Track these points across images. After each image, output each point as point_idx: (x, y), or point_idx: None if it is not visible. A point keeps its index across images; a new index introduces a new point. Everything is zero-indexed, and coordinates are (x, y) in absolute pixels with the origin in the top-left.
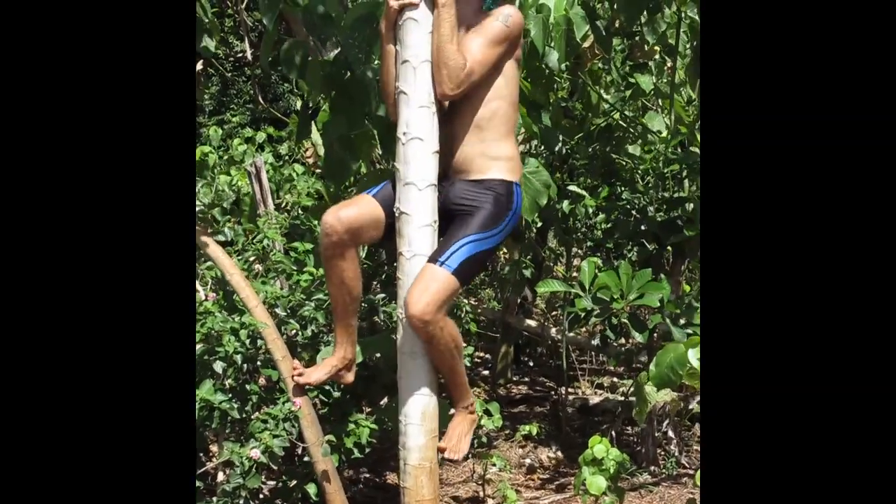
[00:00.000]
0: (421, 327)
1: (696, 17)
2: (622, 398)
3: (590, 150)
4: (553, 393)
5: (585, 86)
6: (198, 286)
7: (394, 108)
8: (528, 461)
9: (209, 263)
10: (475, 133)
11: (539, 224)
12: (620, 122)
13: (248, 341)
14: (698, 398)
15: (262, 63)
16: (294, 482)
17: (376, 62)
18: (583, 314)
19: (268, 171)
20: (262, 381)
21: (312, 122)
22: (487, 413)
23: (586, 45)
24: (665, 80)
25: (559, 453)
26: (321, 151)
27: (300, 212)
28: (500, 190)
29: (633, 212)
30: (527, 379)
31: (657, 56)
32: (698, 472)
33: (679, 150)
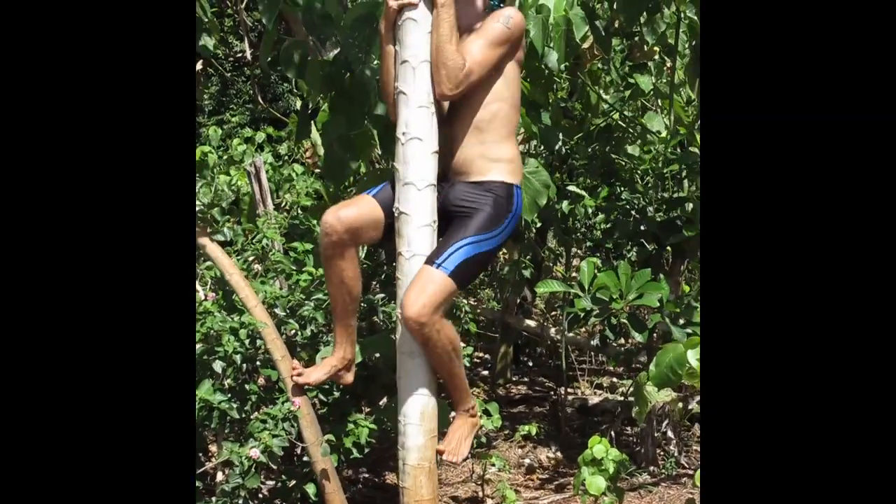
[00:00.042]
0: (417, 329)
1: (695, 18)
2: (621, 398)
3: (589, 150)
4: (552, 393)
5: (585, 86)
6: (197, 286)
7: (393, 109)
8: (527, 461)
9: (209, 263)
10: (475, 135)
11: (538, 224)
12: (620, 122)
13: (247, 341)
14: (698, 398)
15: (262, 63)
16: (293, 482)
17: (376, 62)
18: (582, 314)
19: (267, 171)
20: (261, 380)
21: (312, 122)
22: (487, 413)
23: (586, 45)
24: (664, 81)
25: (558, 453)
26: (321, 151)
27: (299, 212)
28: (500, 192)
29: (633, 212)
30: (526, 379)
31: (656, 56)
32: (697, 472)
33: (678, 150)
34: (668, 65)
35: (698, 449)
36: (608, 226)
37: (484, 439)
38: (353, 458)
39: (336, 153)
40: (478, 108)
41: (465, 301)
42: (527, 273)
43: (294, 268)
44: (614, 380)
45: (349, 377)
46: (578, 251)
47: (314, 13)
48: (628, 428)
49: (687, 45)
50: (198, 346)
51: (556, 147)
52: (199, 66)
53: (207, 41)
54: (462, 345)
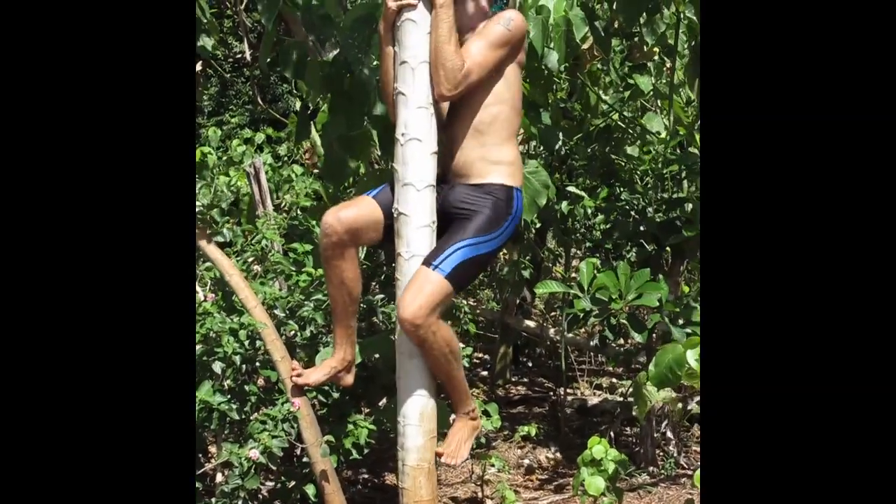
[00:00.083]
0: (412, 331)
1: (695, 18)
2: (621, 399)
3: (589, 150)
4: (552, 394)
5: (584, 86)
6: (197, 287)
7: (393, 109)
8: (526, 462)
9: (208, 264)
10: (475, 137)
11: (538, 225)
12: (619, 122)
13: (247, 342)
14: (697, 398)
15: (262, 64)
16: (293, 483)
17: (375, 62)
18: (581, 315)
19: (267, 172)
20: (260, 381)
21: (311, 123)
22: (486, 414)
23: (585, 46)
24: (664, 81)
25: (558, 454)
26: (320, 152)
27: (299, 212)
28: (500, 195)
29: (632, 213)
30: (525, 380)
31: (656, 57)
32: (697, 472)
33: (678, 150)
34: (668, 65)
35: (697, 449)
36: (608, 226)
37: (483, 440)
38: (353, 459)
39: (335, 154)
40: (478, 110)
41: (464, 301)
42: (526, 273)
43: (293, 269)
44: (614, 380)
45: (349, 379)
46: (578, 252)
47: (314, 14)
48: (628, 428)
49: (686, 46)
50: (197, 347)
51: (556, 147)
52: (198, 66)
53: (206, 42)
54: (461, 346)
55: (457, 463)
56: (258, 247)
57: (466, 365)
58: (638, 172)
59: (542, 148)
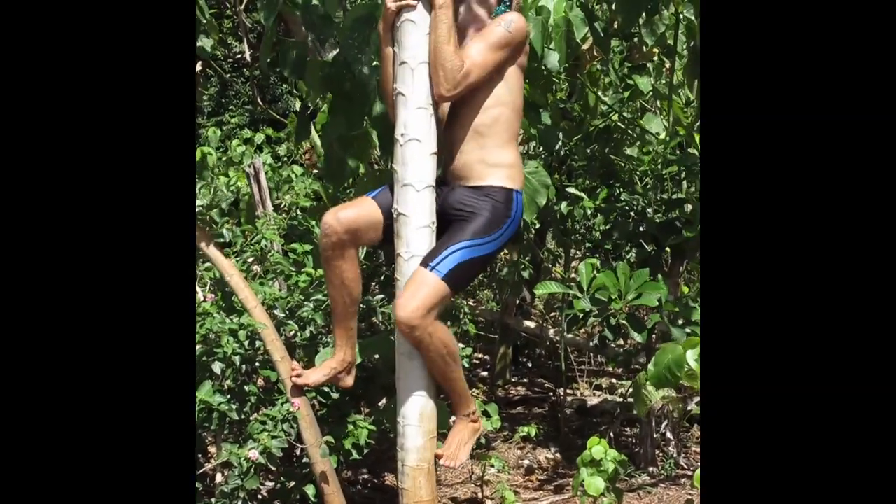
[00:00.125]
0: (408, 332)
1: (694, 19)
2: (621, 399)
3: (588, 151)
4: (551, 394)
5: (584, 87)
6: (196, 287)
7: (393, 110)
8: (526, 462)
9: (208, 264)
10: (475, 139)
11: (538, 225)
12: (619, 123)
13: (246, 342)
14: (697, 399)
15: (261, 64)
16: (292, 483)
17: (375, 62)
18: (581, 315)
19: (266, 172)
20: (260, 382)
21: (311, 123)
22: (486, 414)
23: (585, 46)
24: (663, 82)
25: (557, 454)
26: (320, 152)
27: (299, 213)
28: (499, 197)
29: (632, 213)
30: (525, 380)
31: (655, 57)
32: (697, 472)
33: (677, 151)
34: (667, 66)
35: (697, 450)
36: (607, 227)
37: (483, 440)
38: (353, 460)
39: (335, 154)
40: (478, 112)
41: (464, 302)
42: (526, 274)
43: (293, 269)
44: (613, 381)
45: (349, 380)
46: (577, 252)
47: (314, 14)
48: (627, 429)
49: (685, 46)
50: (197, 347)
51: (556, 148)
52: (198, 67)
53: (206, 42)
54: (461, 346)
55: (455, 465)
56: (258, 247)
57: (466, 365)
58: (637, 173)
59: (541, 148)
